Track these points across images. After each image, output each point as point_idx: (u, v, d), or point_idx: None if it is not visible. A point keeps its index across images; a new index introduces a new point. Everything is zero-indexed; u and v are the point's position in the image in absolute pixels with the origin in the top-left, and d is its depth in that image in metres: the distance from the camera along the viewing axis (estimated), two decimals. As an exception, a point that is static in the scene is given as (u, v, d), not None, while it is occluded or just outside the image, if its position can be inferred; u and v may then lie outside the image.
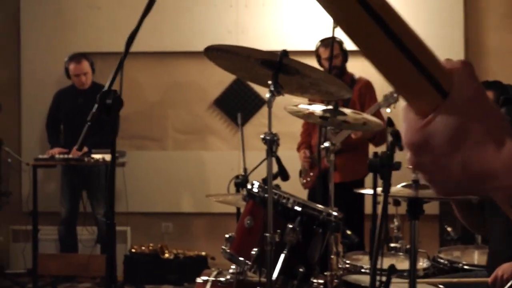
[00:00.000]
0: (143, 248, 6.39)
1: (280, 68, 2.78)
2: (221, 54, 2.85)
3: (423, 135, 0.79)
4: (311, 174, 5.49)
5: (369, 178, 5.42)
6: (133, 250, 6.35)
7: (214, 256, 6.45)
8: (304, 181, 5.59)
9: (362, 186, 5.41)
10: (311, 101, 4.98)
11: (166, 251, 6.33)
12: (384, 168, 2.39)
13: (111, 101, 2.39)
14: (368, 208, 5.41)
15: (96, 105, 2.40)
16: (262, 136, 2.79)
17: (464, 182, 0.80)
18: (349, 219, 4.32)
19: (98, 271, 5.98)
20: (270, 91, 2.76)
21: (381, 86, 5.38)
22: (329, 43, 5.40)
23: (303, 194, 5.37)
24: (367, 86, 5.45)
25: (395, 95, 4.87)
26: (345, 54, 5.43)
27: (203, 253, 6.43)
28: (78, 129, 6.12)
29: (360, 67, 5.54)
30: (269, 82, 2.77)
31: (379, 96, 5.24)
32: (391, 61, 0.79)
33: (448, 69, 0.80)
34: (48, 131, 6.49)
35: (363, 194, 5.35)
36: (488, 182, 0.79)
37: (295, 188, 4.90)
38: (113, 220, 2.45)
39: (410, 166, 0.83)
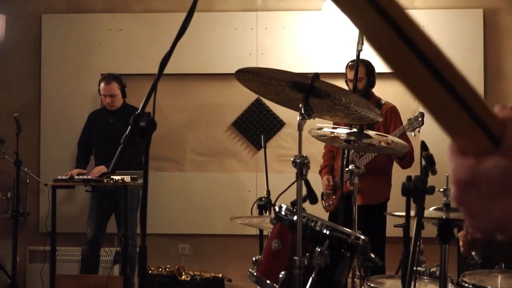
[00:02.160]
0: (160, 269, 6.38)
1: (311, 91, 2.78)
2: (251, 77, 2.86)
3: (473, 173, 0.82)
4: (334, 197, 5.47)
5: (392, 201, 5.42)
6: (150, 271, 6.34)
7: (230, 278, 6.44)
8: (326, 204, 5.57)
9: (385, 209, 5.39)
10: (336, 124, 5.00)
11: (183, 273, 6.31)
12: (418, 192, 2.39)
13: (145, 123, 2.39)
14: (390, 231, 5.38)
15: (129, 127, 2.39)
16: (292, 159, 2.78)
17: (504, 225, 0.83)
18: (370, 242, 4.31)
19: (115, 292, 5.98)
20: (301, 114, 2.76)
21: (406, 110, 5.40)
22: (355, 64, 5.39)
23: (324, 216, 5.35)
24: (392, 112, 5.38)
25: (420, 119, 4.85)
26: (370, 79, 5.37)
27: (220, 275, 6.42)
28: (109, 149, 6.23)
29: (387, 91, 5.57)
30: (300, 105, 2.78)
31: (404, 120, 5.23)
32: (443, 105, 0.81)
33: (500, 117, 0.83)
34: (79, 151, 6.54)
35: (385, 218, 5.34)
36: None
37: (314, 210, 4.90)
38: (145, 243, 2.44)
39: (454, 200, 0.85)
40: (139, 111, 2.47)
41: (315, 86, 2.77)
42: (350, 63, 5.43)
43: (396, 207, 4.21)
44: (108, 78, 6.32)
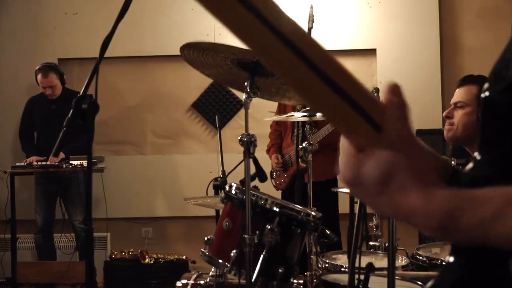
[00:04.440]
0: (123, 253, 6.36)
1: (256, 68, 2.78)
2: (197, 55, 2.84)
3: (355, 175, 0.88)
4: (285, 175, 5.49)
5: None
6: (113, 256, 6.32)
7: (194, 260, 6.44)
8: (277, 182, 5.58)
9: (336, 185, 5.42)
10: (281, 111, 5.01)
11: (147, 256, 6.30)
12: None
13: (87, 106, 2.37)
14: (344, 207, 5.39)
15: (71, 110, 2.37)
16: (239, 137, 2.78)
17: (393, 215, 0.90)
18: (324, 218, 4.32)
19: (78, 278, 5.96)
20: (247, 93, 2.76)
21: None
22: None
23: (277, 195, 5.35)
24: None
25: (375, 94, 4.84)
26: None
27: (184, 257, 6.42)
28: (53, 135, 6.06)
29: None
30: (246, 83, 2.77)
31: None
32: (323, 98, 0.84)
33: (382, 103, 0.87)
34: (22, 139, 6.45)
35: (337, 193, 5.36)
36: (412, 221, 0.88)
37: (268, 189, 4.94)
38: (91, 226, 2.43)
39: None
40: (81, 93, 2.44)
41: (259, 63, 2.77)
42: None
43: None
44: (45, 70, 6.21)
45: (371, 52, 6.66)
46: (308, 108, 3.86)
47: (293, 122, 5.36)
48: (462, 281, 1.00)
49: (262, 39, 0.77)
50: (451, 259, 1.03)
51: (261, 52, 0.80)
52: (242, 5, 0.74)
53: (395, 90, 0.88)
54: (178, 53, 6.76)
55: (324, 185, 5.09)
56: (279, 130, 5.66)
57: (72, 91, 6.33)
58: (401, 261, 3.64)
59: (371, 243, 4.04)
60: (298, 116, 3.91)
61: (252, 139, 2.78)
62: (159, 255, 6.36)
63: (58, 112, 6.18)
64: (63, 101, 6.21)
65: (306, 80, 0.81)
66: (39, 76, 6.20)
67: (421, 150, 0.90)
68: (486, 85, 1.00)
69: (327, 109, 0.85)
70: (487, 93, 0.99)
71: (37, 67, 6.24)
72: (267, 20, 0.76)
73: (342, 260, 3.74)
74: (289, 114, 3.84)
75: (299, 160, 5.27)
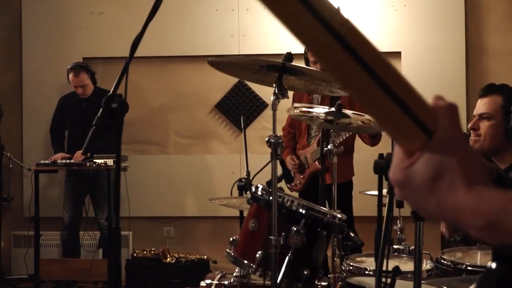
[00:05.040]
0: (145, 252, 6.38)
1: (284, 71, 2.79)
2: (224, 65, 2.86)
3: (405, 175, 0.89)
4: (301, 177, 5.47)
5: (356, 179, 5.44)
6: (135, 255, 6.35)
7: (216, 260, 6.45)
8: (293, 183, 5.56)
9: (351, 187, 5.40)
10: (298, 101, 4.98)
11: (168, 255, 6.32)
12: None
13: (117, 105, 2.37)
14: (364, 210, 5.35)
15: (101, 110, 2.38)
16: (266, 139, 2.78)
17: (440, 216, 0.91)
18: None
19: (100, 276, 5.99)
20: (275, 94, 2.76)
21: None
22: None
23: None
24: None
25: None
26: None
27: (205, 257, 6.43)
28: (83, 134, 6.10)
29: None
30: (274, 85, 2.78)
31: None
32: (377, 103, 0.85)
33: (432, 107, 0.88)
34: (53, 136, 6.53)
35: (351, 196, 5.35)
36: (459, 220, 0.88)
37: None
38: (118, 225, 2.45)
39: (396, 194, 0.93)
40: (110, 93, 2.45)
41: (287, 66, 2.78)
42: None
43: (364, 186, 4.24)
44: (76, 69, 6.29)
45: (396, 55, 6.63)
46: (330, 111, 3.84)
47: (308, 124, 5.34)
48: (504, 287, 1.00)
49: (317, 38, 0.78)
50: (493, 265, 1.03)
51: (317, 51, 0.81)
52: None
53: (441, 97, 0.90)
54: (202, 53, 6.83)
55: (341, 186, 5.07)
56: (292, 132, 5.62)
57: (104, 90, 6.37)
58: (425, 265, 3.62)
59: (395, 246, 4.02)
60: (320, 112, 3.88)
61: (280, 140, 2.79)
62: (181, 255, 6.38)
63: (89, 111, 6.22)
64: (94, 100, 6.25)
65: (361, 83, 0.82)
66: (71, 76, 6.28)
67: (471, 151, 0.91)
68: None
69: (380, 114, 0.86)
70: None
71: (69, 66, 6.32)
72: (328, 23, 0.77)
73: (366, 263, 3.73)
74: (312, 109, 3.81)
75: (316, 161, 5.27)
